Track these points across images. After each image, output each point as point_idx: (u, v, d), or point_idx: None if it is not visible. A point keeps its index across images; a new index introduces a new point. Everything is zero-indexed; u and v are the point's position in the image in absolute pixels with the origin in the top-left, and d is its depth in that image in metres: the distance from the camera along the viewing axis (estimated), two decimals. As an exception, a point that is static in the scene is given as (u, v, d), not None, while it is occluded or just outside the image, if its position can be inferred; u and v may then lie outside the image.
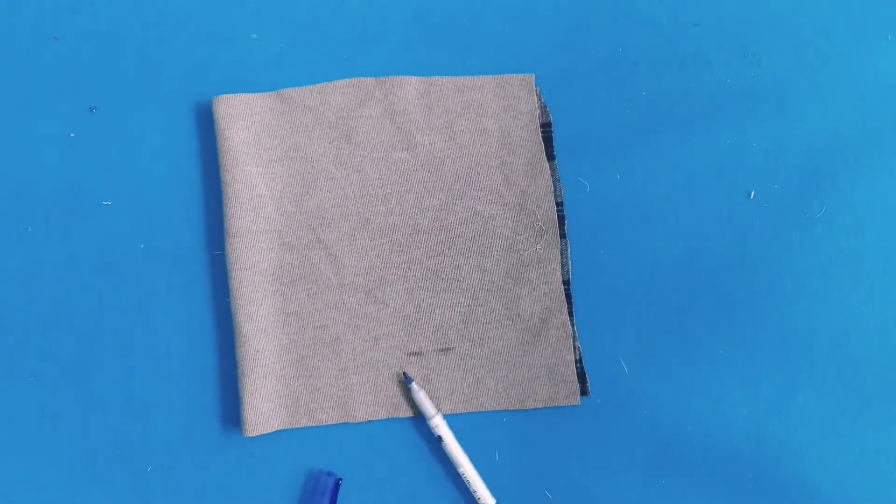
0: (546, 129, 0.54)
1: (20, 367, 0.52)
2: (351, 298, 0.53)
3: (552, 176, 0.54)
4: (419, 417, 0.52)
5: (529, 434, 0.52)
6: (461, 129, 0.54)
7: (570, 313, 0.53)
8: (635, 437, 0.52)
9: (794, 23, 0.56)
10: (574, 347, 0.52)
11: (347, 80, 0.54)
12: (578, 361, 0.52)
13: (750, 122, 0.55)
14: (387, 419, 0.52)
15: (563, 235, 0.53)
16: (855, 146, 0.54)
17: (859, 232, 0.54)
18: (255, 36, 0.55)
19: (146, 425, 0.52)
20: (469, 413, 0.52)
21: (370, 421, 0.52)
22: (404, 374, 0.52)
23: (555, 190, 0.54)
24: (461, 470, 0.50)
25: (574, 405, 0.52)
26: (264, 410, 0.51)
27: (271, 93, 0.54)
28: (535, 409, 0.52)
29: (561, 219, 0.54)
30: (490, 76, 0.55)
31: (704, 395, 0.52)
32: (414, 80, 0.54)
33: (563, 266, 0.53)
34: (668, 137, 0.55)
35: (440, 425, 0.51)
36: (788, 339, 0.53)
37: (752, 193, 0.54)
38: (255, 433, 0.50)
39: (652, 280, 0.53)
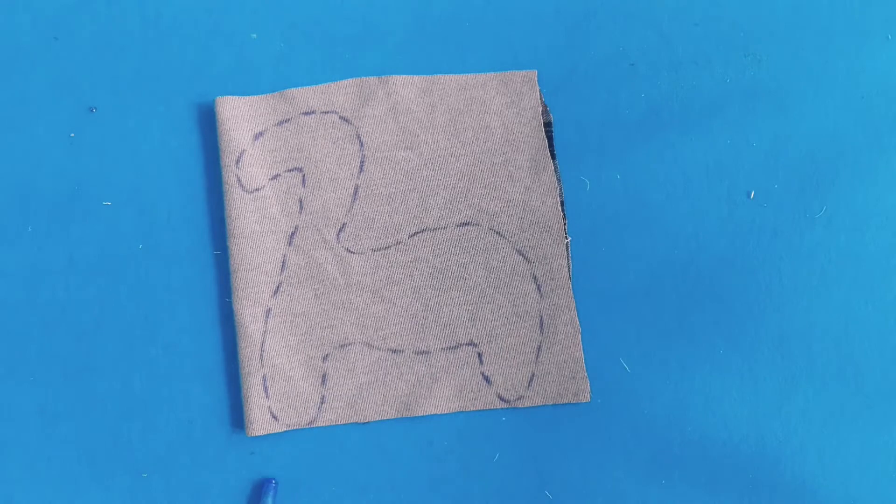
0: (547, 129, 0.54)
1: (20, 367, 0.52)
2: (358, 298, 0.53)
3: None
4: (428, 417, 0.52)
5: (529, 434, 0.52)
6: (464, 126, 0.54)
7: (572, 312, 0.53)
8: (635, 437, 0.52)
9: (794, 23, 0.56)
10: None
11: (350, 79, 0.54)
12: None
13: (750, 122, 0.55)
14: (395, 419, 0.52)
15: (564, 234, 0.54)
16: (855, 146, 0.54)
17: (859, 232, 0.54)
18: (255, 36, 0.55)
19: (146, 425, 0.52)
20: (469, 412, 0.52)
21: (378, 421, 0.52)
22: None
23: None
24: None
25: (578, 403, 0.52)
26: (271, 410, 0.51)
27: (274, 94, 0.54)
28: (536, 408, 0.52)
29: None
30: (492, 73, 0.55)
31: (704, 395, 0.52)
32: (416, 78, 0.54)
33: (564, 265, 0.53)
34: (668, 137, 0.55)
35: None
36: (788, 338, 0.53)
37: (752, 193, 0.54)
38: (261, 433, 0.50)
39: (652, 280, 0.53)
